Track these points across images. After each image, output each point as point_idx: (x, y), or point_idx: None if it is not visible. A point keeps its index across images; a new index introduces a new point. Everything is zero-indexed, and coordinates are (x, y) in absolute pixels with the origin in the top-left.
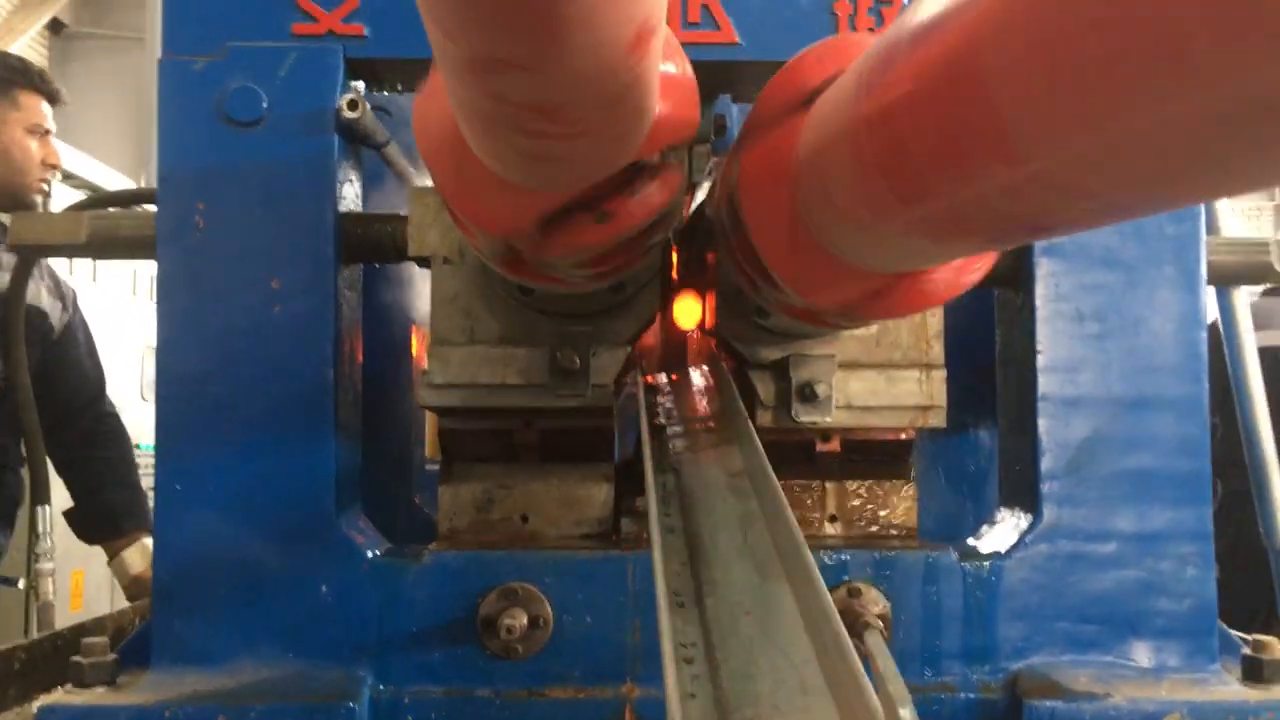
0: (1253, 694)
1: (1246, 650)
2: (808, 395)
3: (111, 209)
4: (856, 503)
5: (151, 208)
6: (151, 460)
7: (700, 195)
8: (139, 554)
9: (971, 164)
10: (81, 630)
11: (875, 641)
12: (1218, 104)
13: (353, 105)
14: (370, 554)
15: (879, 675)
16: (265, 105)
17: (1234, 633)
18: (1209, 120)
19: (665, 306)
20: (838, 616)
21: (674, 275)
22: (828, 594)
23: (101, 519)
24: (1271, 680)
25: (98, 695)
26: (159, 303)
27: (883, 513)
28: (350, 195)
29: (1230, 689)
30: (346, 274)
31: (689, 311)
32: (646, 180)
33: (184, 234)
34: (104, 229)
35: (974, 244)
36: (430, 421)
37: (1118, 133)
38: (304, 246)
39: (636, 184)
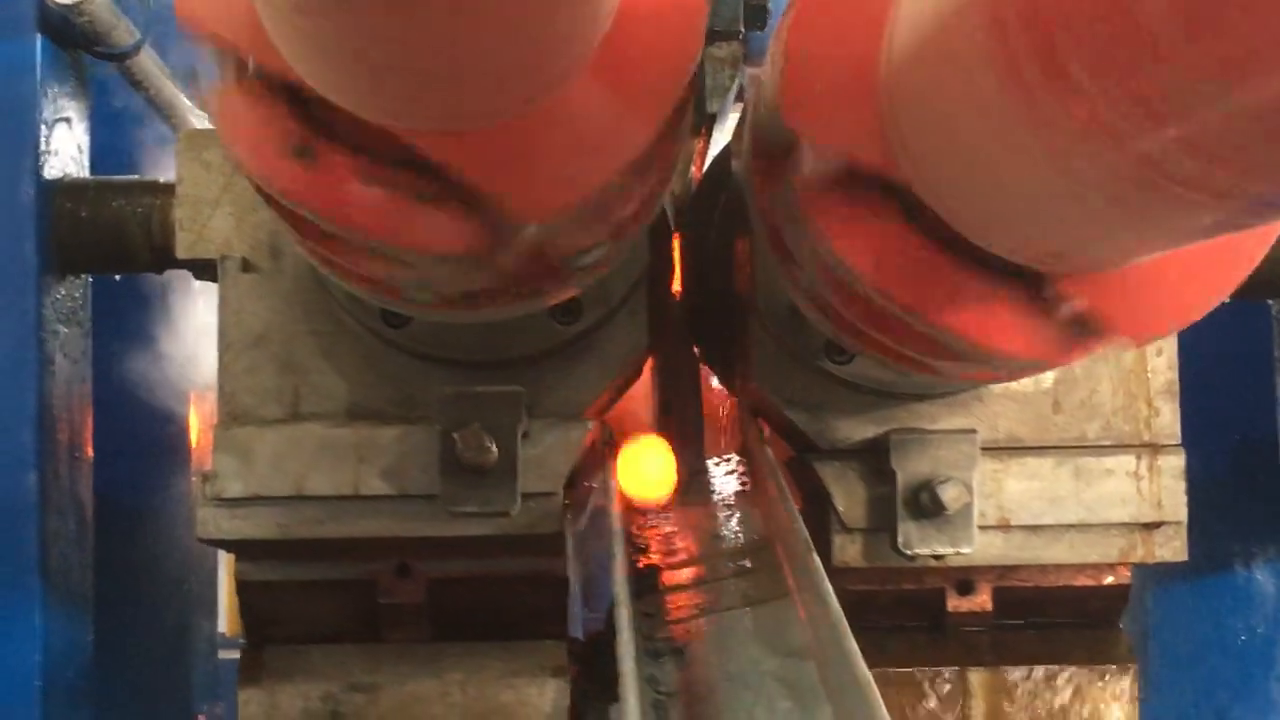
0: None
1: None
2: (928, 507)
3: None
4: (1025, 706)
5: None
6: None
7: (720, 138)
8: None
9: None
10: None
11: None
12: None
13: None
14: None
15: None
16: None
17: None
18: None
19: (661, 341)
20: None
21: (673, 283)
22: None
23: None
24: None
25: None
26: None
27: None
28: (68, 148)
29: None
30: (62, 295)
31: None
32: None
33: None
34: None
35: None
36: (226, 570)
37: None
38: None
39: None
